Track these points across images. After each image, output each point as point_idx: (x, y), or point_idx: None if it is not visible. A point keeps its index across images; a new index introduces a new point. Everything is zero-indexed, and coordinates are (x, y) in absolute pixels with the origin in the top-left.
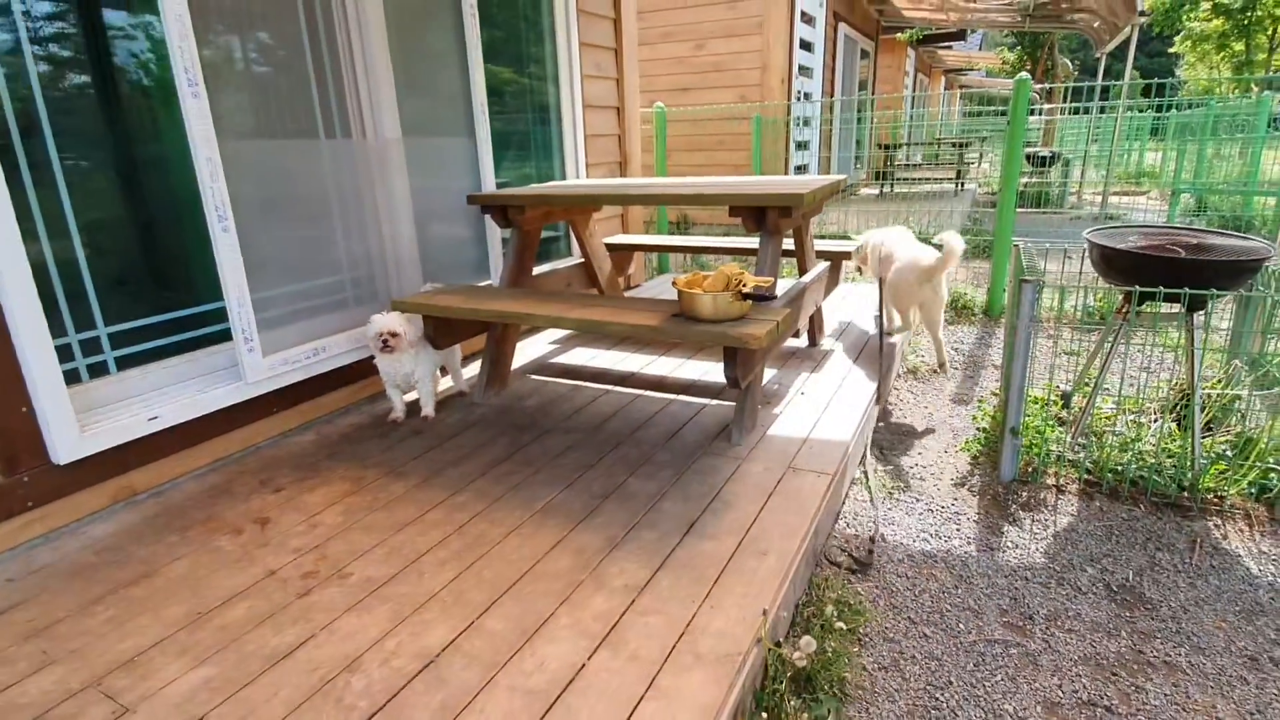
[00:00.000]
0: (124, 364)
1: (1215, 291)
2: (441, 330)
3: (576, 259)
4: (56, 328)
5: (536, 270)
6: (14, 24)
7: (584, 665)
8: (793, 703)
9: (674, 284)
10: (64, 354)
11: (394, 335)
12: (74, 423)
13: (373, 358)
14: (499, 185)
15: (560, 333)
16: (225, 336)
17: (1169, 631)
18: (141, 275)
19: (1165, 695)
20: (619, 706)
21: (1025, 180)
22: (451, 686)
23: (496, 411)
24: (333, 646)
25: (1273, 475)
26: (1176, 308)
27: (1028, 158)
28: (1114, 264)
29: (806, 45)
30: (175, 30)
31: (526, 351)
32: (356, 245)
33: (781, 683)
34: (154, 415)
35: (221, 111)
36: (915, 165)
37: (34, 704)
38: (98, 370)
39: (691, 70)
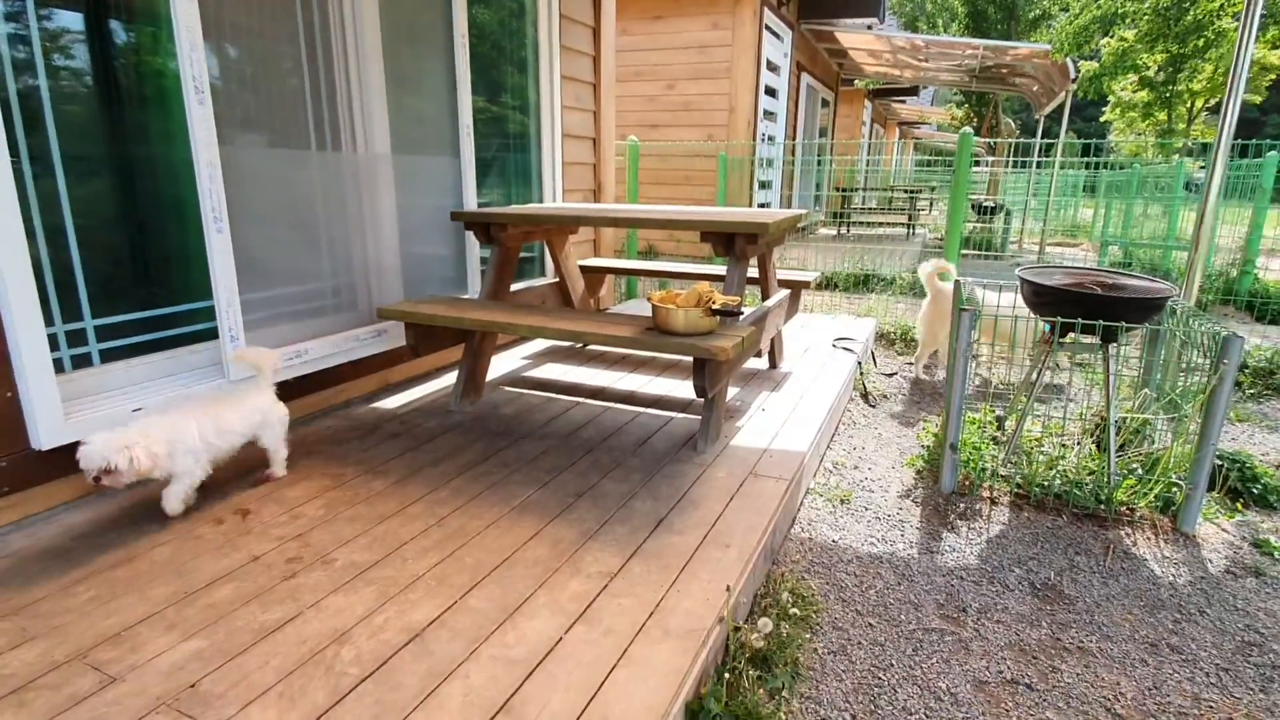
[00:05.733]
0: (108, 357)
1: (1125, 324)
2: (423, 338)
3: (551, 279)
4: (44, 317)
5: (513, 287)
6: (27, 26)
7: (562, 639)
8: (751, 674)
9: (649, 299)
10: (49, 343)
11: (108, 473)
12: (59, 409)
13: (352, 363)
14: (480, 205)
15: (533, 349)
16: (209, 335)
17: (1083, 622)
18: (131, 272)
19: (1078, 674)
20: (595, 672)
21: (971, 227)
22: (438, 656)
23: (472, 419)
24: (320, 622)
25: (1175, 489)
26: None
27: (974, 207)
28: (1041, 298)
29: (771, 91)
30: (186, 41)
31: (499, 366)
32: (341, 254)
33: (741, 661)
34: (138, 406)
35: (221, 119)
36: (870, 209)
37: (17, 675)
38: (81, 361)
39: (662, 108)
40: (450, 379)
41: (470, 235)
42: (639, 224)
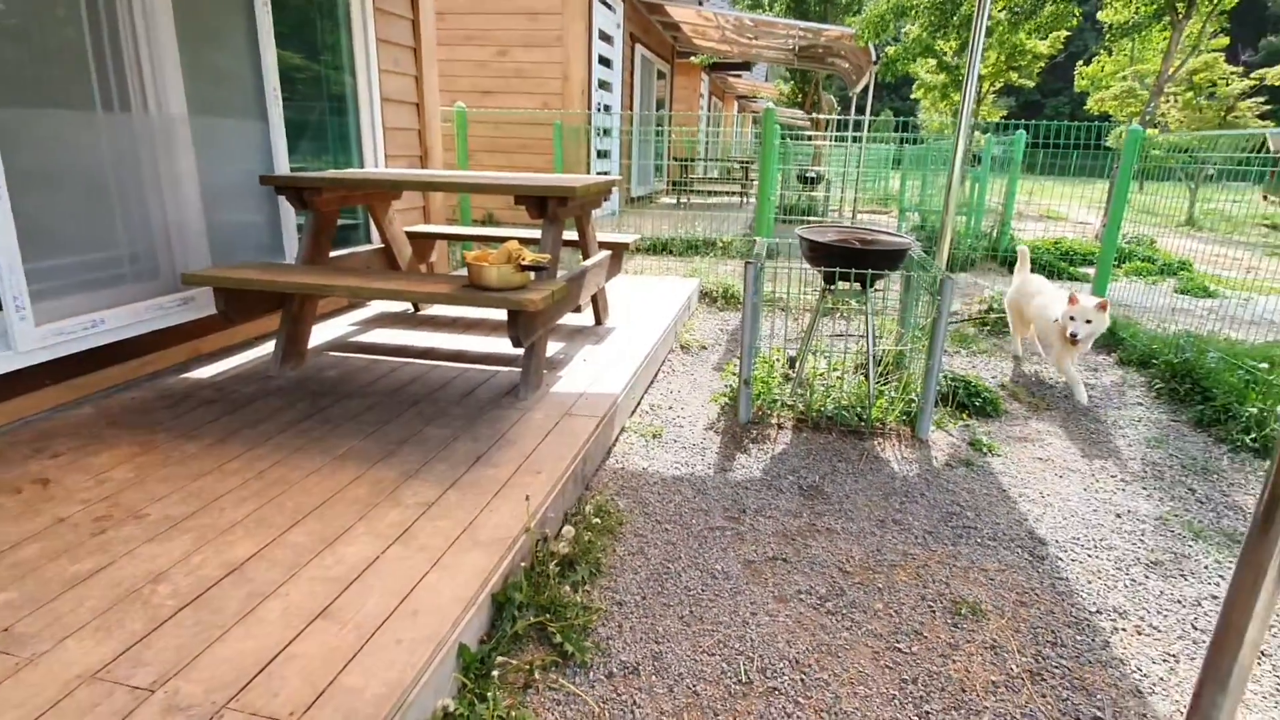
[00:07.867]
0: None
1: (872, 272)
2: (236, 304)
3: (376, 245)
4: None
5: (334, 254)
6: None
7: (378, 558)
8: (555, 571)
9: (464, 258)
10: None
11: None
12: None
13: (156, 333)
14: (294, 170)
15: (361, 315)
16: None
17: (834, 511)
18: None
19: (824, 548)
20: (408, 579)
21: (797, 196)
22: (258, 582)
23: (294, 383)
24: (135, 567)
25: (913, 404)
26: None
27: (799, 177)
28: (815, 252)
29: (605, 61)
30: None
31: (324, 333)
32: (138, 219)
33: (549, 565)
34: None
35: None
36: (711, 179)
37: None
38: None
39: (494, 75)
40: (269, 347)
41: (284, 200)
42: (454, 188)
